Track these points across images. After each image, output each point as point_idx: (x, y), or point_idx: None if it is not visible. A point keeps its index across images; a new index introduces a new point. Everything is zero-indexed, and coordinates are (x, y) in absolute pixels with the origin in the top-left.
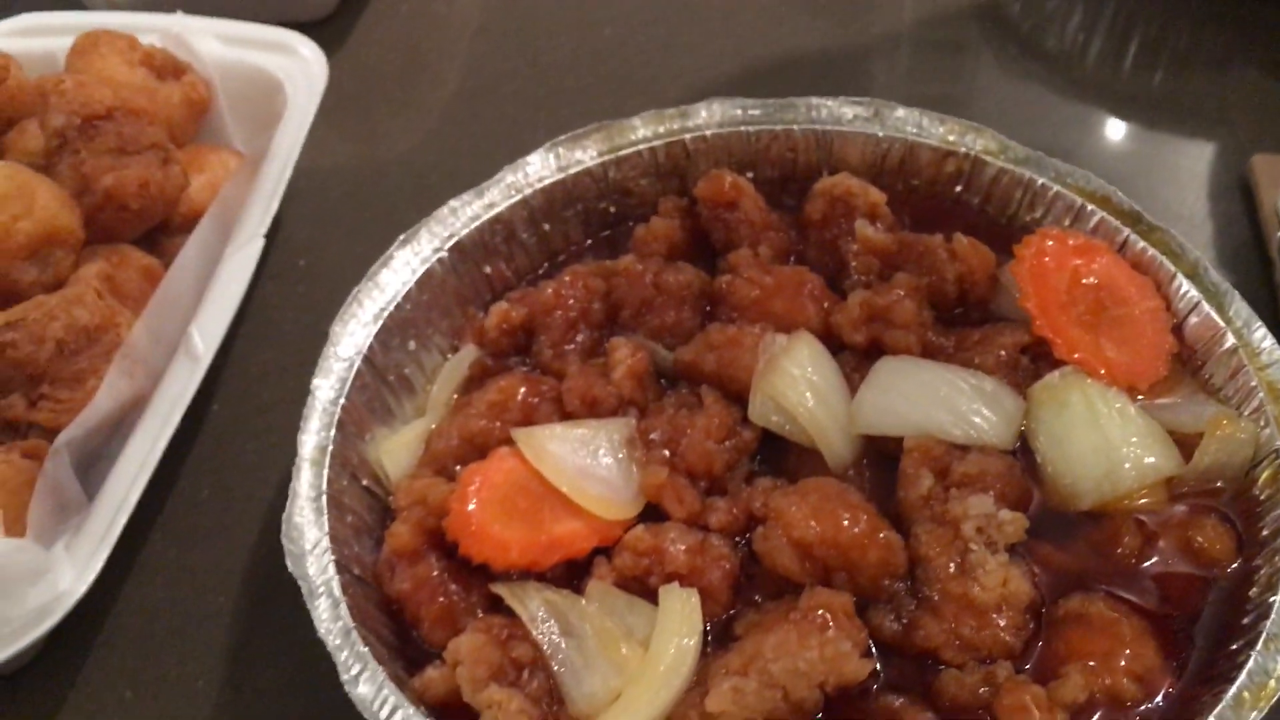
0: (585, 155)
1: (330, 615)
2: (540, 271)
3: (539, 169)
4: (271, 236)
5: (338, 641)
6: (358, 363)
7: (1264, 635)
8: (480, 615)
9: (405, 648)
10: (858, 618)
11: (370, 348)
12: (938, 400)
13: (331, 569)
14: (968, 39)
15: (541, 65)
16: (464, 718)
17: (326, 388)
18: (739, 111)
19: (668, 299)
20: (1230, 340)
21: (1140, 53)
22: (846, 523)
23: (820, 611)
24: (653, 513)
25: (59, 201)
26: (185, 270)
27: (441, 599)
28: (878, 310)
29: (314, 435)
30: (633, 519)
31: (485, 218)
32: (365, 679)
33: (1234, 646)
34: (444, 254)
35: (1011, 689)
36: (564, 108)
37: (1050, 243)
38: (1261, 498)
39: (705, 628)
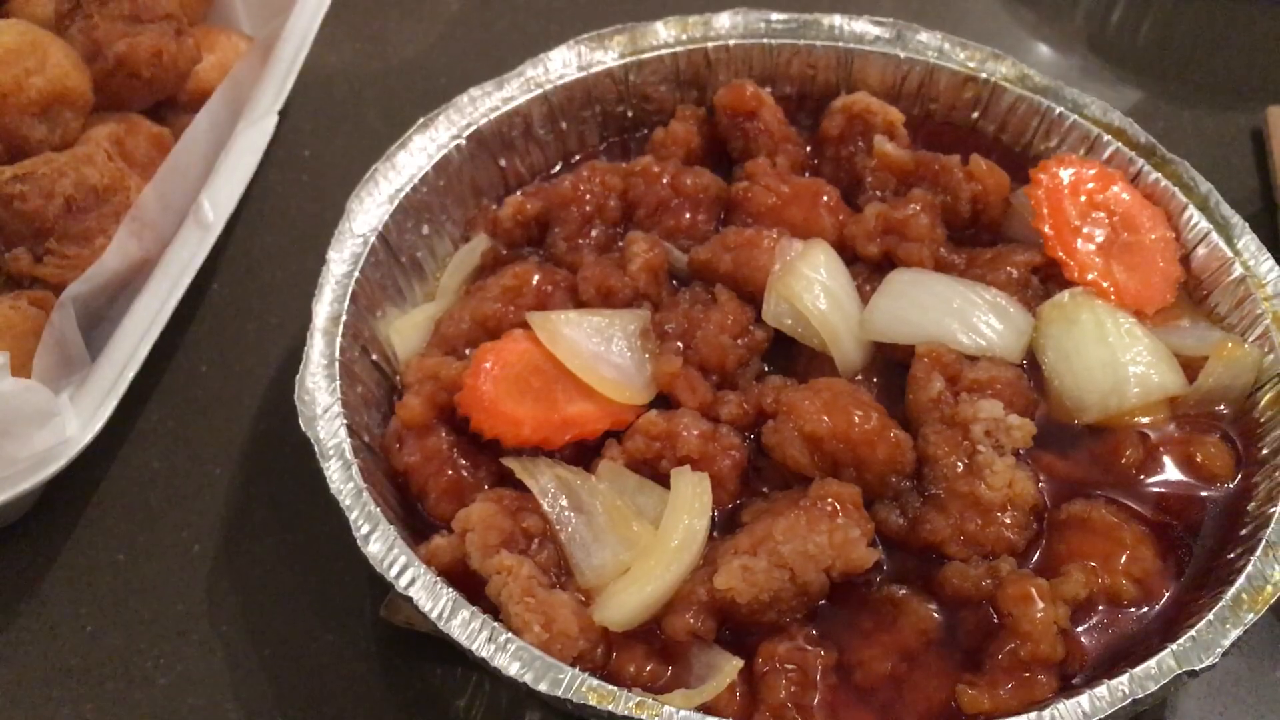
0: (607, 56)
1: (342, 476)
2: (554, 171)
3: (560, 66)
4: (277, 127)
5: (349, 502)
6: (372, 239)
7: (1263, 543)
8: (488, 489)
9: (409, 520)
10: (865, 510)
11: (385, 226)
12: (950, 311)
13: (343, 432)
14: None
15: None
16: (467, 585)
17: (340, 261)
18: (763, 24)
19: (684, 201)
20: (1238, 270)
21: (1140, 6)
22: (858, 419)
23: (829, 500)
24: (663, 403)
25: (71, 61)
26: (196, 141)
27: (450, 472)
28: (893, 223)
29: (327, 305)
30: (644, 406)
31: (504, 109)
32: (376, 538)
33: (1231, 555)
34: (461, 141)
35: (1015, 580)
36: (578, 19)
37: (1067, 168)
38: (1262, 420)
39: (713, 513)
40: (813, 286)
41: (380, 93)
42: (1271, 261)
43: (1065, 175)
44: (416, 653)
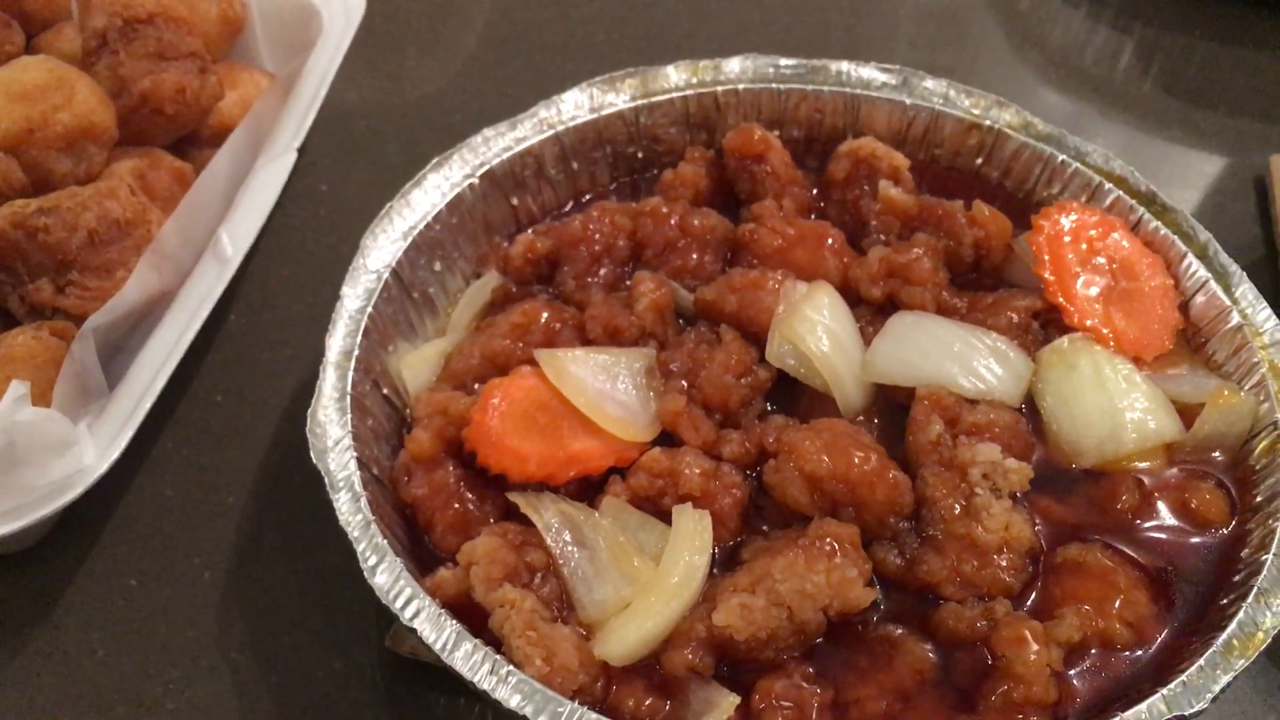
0: (619, 99)
1: (350, 508)
2: (565, 210)
3: (572, 107)
4: (296, 162)
5: (357, 534)
6: (385, 275)
7: (1255, 590)
8: (493, 523)
9: (416, 551)
10: (863, 550)
11: (398, 262)
12: (950, 354)
13: (353, 465)
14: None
15: (572, 17)
16: (471, 618)
17: (354, 296)
18: (771, 69)
19: (691, 241)
20: (1235, 319)
21: (1148, 52)
22: (858, 460)
23: (828, 540)
24: (667, 441)
25: (96, 97)
26: (216, 176)
27: (456, 506)
28: (896, 267)
29: (340, 339)
30: (648, 444)
31: (517, 149)
32: (383, 569)
33: (1224, 601)
34: (474, 180)
35: (1010, 622)
36: (592, 60)
37: (1069, 215)
38: (1257, 467)
39: (713, 551)
40: (816, 328)
41: (398, 129)
42: (1269, 311)
43: (1066, 222)
44: (421, 682)
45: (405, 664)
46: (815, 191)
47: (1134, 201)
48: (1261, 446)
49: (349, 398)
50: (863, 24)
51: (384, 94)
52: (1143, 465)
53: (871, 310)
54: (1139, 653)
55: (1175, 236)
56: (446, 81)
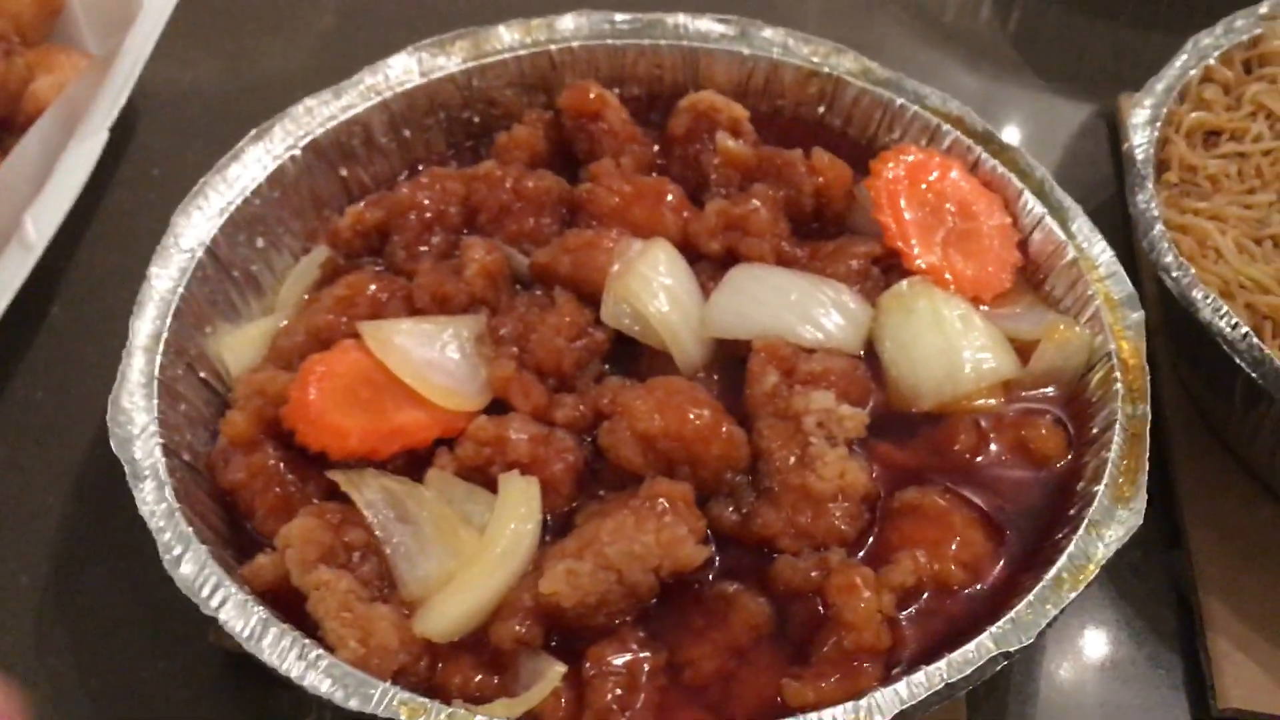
0: (450, 61)
1: (155, 497)
2: (400, 179)
3: (400, 73)
4: (124, 145)
5: (161, 523)
6: (200, 254)
7: (1085, 522)
8: (316, 504)
9: (237, 538)
10: (697, 508)
11: (214, 240)
12: (788, 304)
13: (159, 452)
14: None
15: None
16: (293, 604)
17: (164, 277)
18: (606, 24)
19: (527, 205)
20: (1071, 253)
21: (1007, 3)
22: (691, 417)
23: (659, 499)
24: (500, 409)
25: None
26: (23, 161)
27: (277, 489)
28: (734, 219)
29: (149, 323)
30: (477, 412)
31: (342, 119)
32: (188, 559)
33: (1059, 535)
34: (297, 152)
35: (842, 570)
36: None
37: (906, 159)
38: (1093, 400)
39: (545, 518)
40: (651, 286)
41: (237, 109)
42: (1104, 244)
43: (903, 166)
44: (251, 678)
45: (237, 660)
46: (659, 149)
47: (971, 141)
48: (1097, 379)
49: (157, 382)
50: None
51: (221, 74)
52: (981, 404)
53: (713, 265)
54: (975, 593)
55: (1012, 175)
56: (289, 60)
